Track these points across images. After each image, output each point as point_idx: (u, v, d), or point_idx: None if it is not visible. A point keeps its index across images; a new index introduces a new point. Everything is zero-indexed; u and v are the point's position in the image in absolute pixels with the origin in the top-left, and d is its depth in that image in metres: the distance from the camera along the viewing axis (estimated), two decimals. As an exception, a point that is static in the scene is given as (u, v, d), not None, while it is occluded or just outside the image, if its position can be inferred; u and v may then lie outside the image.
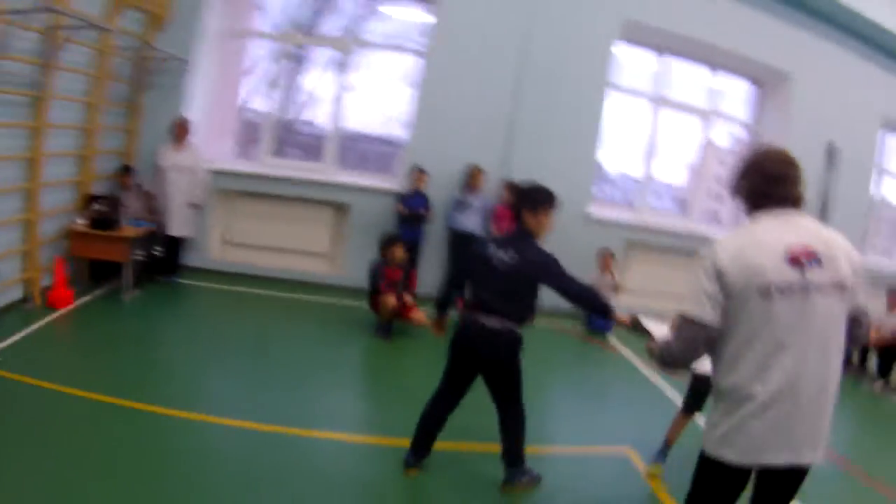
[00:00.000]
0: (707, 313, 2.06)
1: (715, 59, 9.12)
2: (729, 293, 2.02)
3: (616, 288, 7.75)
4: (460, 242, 7.54)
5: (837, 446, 4.83)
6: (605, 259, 7.85)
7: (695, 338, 2.10)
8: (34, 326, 5.52)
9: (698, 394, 3.99)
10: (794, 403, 1.98)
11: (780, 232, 2.05)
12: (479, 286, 3.44)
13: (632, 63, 8.98)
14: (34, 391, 4.26)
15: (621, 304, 7.39)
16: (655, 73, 9.11)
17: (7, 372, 4.46)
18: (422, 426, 3.60)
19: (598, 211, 8.53)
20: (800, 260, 1.99)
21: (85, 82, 6.39)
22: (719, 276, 2.03)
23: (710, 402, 2.31)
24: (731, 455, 2.06)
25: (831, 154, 9.10)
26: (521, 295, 3.37)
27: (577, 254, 7.73)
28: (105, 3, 6.25)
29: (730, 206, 9.63)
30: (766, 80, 9.47)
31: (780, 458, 2.02)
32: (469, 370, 3.48)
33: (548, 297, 3.47)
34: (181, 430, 3.98)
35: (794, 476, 2.10)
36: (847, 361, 7.81)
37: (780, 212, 2.10)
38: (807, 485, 2.19)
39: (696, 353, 2.14)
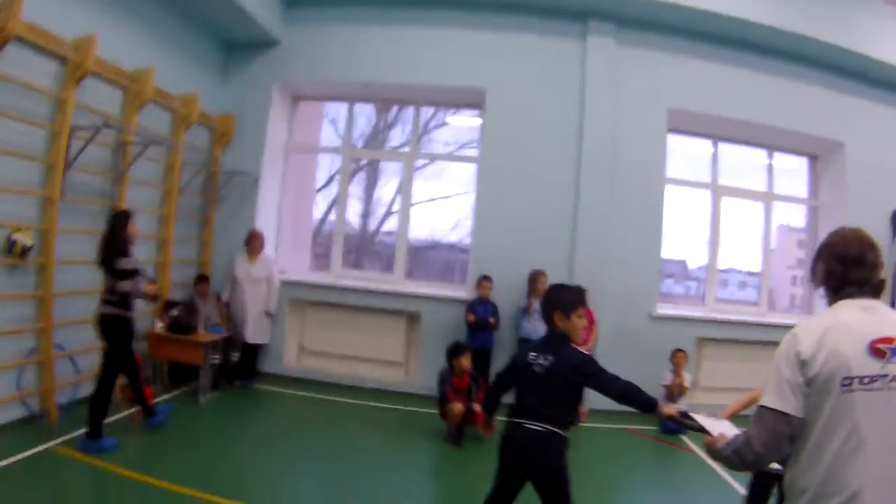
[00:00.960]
0: (788, 404, 1.99)
1: (765, 138, 9.22)
2: (811, 383, 1.97)
3: (683, 390, 7.72)
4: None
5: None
6: (678, 359, 7.81)
7: (778, 432, 2.00)
8: (113, 418, 6.04)
9: (761, 490, 4.11)
10: (876, 502, 1.88)
11: (861, 320, 2.01)
12: (522, 391, 3.59)
13: (686, 153, 9.27)
14: (106, 474, 4.83)
15: (694, 404, 7.43)
16: (710, 161, 9.33)
17: (87, 457, 5.10)
18: None
19: (665, 309, 8.60)
20: (881, 350, 1.93)
21: (157, 195, 7.40)
22: (802, 366, 1.98)
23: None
24: None
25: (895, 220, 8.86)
26: (561, 398, 3.48)
27: (645, 354, 8.01)
28: (171, 120, 6.96)
29: (808, 289, 9.48)
30: (820, 153, 9.47)
31: None
32: (516, 475, 3.58)
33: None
34: None
35: None
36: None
37: (860, 298, 2.08)
38: None
39: (781, 447, 2.04)
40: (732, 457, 2.11)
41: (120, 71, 6.34)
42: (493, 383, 4.22)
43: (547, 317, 3.59)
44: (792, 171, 9.66)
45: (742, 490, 5.37)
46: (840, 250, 2.12)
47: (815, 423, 1.95)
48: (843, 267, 2.09)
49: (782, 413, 1.98)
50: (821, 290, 2.22)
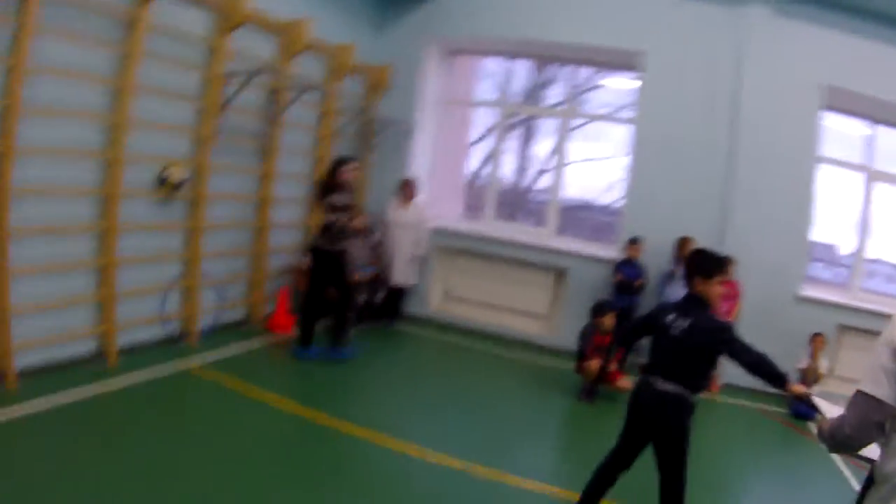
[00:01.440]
0: (883, 389, 1.96)
1: None
2: None
3: (819, 376, 7.26)
4: None
5: None
6: (817, 343, 7.37)
7: (868, 415, 1.99)
8: (253, 344, 6.78)
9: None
10: None
11: None
12: (657, 351, 3.69)
13: (842, 133, 8.46)
14: (239, 397, 5.35)
15: (828, 391, 6.82)
16: (867, 143, 8.42)
17: (217, 376, 5.67)
18: (593, 482, 3.80)
19: (809, 291, 8.03)
20: None
21: (311, 139, 7.90)
22: (892, 350, 1.95)
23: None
24: None
25: None
26: (696, 362, 3.57)
27: (785, 335, 7.61)
28: (326, 69, 7.32)
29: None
30: None
31: None
32: (641, 431, 3.68)
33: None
34: (379, 455, 4.66)
35: None
36: None
37: None
38: None
39: (870, 432, 2.03)
40: (828, 438, 2.13)
41: (273, 21, 6.75)
42: (624, 336, 4.56)
43: (689, 279, 3.66)
44: None
45: (857, 486, 4.85)
46: None
47: None
48: None
49: (874, 398, 1.96)
50: None
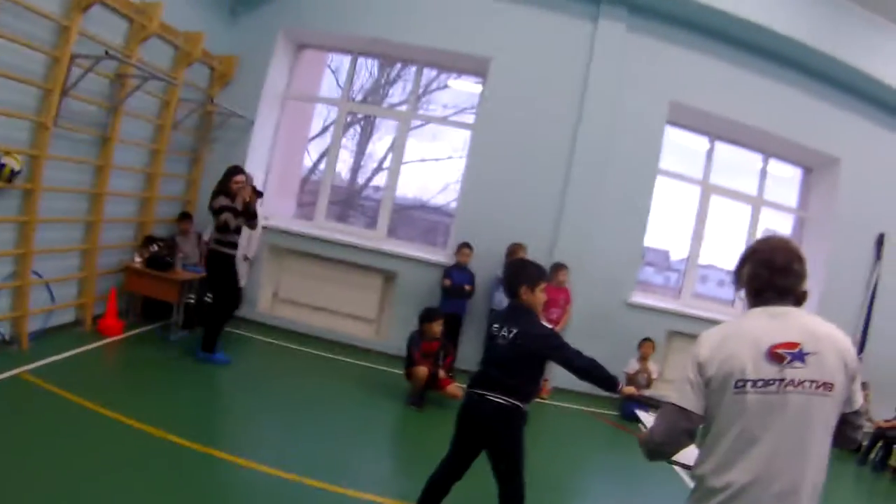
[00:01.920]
0: (687, 400, 2.12)
1: (764, 144, 9.30)
2: (709, 384, 2.07)
3: (650, 381, 7.95)
4: None
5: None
6: (645, 349, 8.02)
7: (676, 425, 2.15)
8: (82, 349, 6.25)
9: None
10: (758, 500, 1.98)
11: (769, 327, 2.08)
12: (485, 361, 3.70)
13: (680, 147, 9.34)
14: (68, 405, 4.89)
15: (658, 395, 7.55)
16: (704, 158, 9.41)
17: (50, 384, 5.15)
18: (426, 493, 3.77)
19: (640, 298, 8.73)
20: (780, 355, 2.01)
21: (151, 129, 7.37)
22: (700, 368, 2.10)
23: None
24: None
25: (881, 242, 9.07)
26: (523, 370, 3.57)
27: (616, 340, 8.13)
28: (173, 56, 6.92)
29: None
30: (815, 165, 9.59)
31: None
32: (472, 442, 3.67)
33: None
34: (203, 465, 4.43)
35: None
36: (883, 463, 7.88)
37: (777, 307, 2.13)
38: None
39: (678, 440, 2.18)
40: (642, 445, 2.27)
41: (127, 2, 6.23)
42: None
43: (511, 289, 3.67)
44: (785, 179, 9.77)
45: (689, 483, 5.63)
46: (767, 257, 2.18)
47: (714, 421, 2.06)
48: (769, 273, 2.15)
49: (680, 408, 2.11)
50: (743, 293, 2.28)
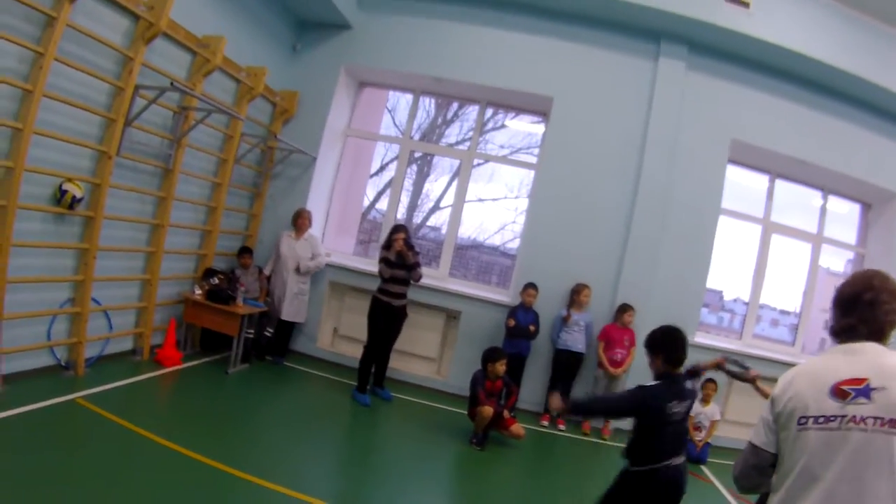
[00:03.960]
0: (758, 437, 2.16)
1: (823, 180, 9.00)
2: (776, 421, 2.10)
3: (713, 424, 7.63)
4: (562, 360, 7.84)
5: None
6: (707, 390, 7.66)
7: (748, 461, 2.20)
8: (138, 378, 6.24)
9: None
10: None
11: (840, 363, 2.03)
12: (662, 438, 3.78)
13: (740, 185, 9.07)
14: (121, 431, 4.88)
15: (719, 437, 7.71)
16: (765, 196, 9.14)
17: (105, 410, 5.13)
18: None
19: (702, 339, 8.40)
20: (844, 391, 1.96)
21: (213, 163, 7.46)
22: (771, 405, 2.13)
23: None
24: None
25: None
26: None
27: None
28: (236, 92, 7.02)
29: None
30: (874, 201, 9.20)
31: None
32: None
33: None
34: (259, 498, 4.36)
35: None
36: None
37: (856, 343, 2.07)
38: None
39: (750, 476, 2.22)
40: (734, 479, 2.31)
41: (191, 35, 6.34)
42: (607, 410, 4.72)
43: (675, 361, 3.85)
44: (844, 216, 9.43)
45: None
46: (843, 293, 2.15)
47: (782, 458, 2.07)
48: (839, 312, 2.13)
49: (753, 445, 2.17)
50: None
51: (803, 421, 1.99)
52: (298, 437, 5.74)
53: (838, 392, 1.95)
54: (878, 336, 2.06)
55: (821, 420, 1.95)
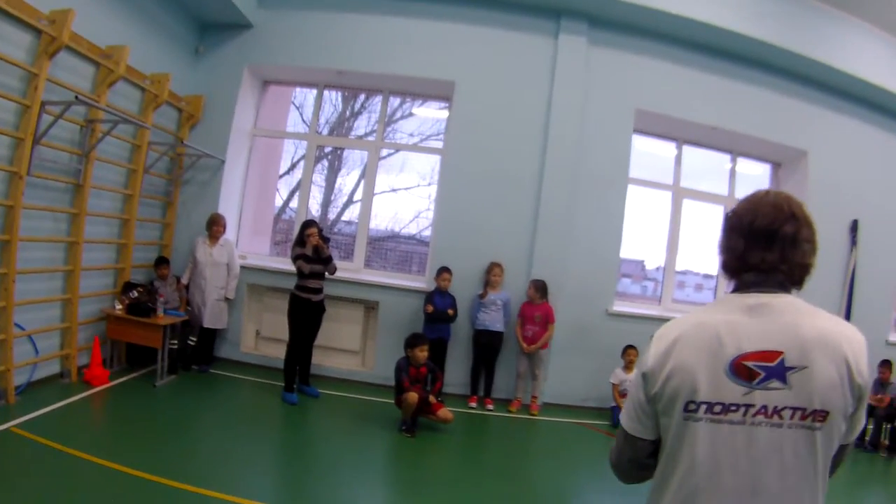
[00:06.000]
0: (631, 423, 1.65)
1: (731, 143, 9.50)
2: (654, 402, 1.57)
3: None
4: (482, 340, 8.04)
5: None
6: (629, 356, 8.05)
7: (622, 451, 1.70)
8: (69, 400, 6.11)
9: None
10: None
11: (745, 325, 1.49)
12: None
13: (649, 154, 9.46)
14: (59, 455, 4.79)
15: None
16: (673, 163, 9.56)
17: (39, 436, 5.04)
18: None
19: (621, 307, 8.80)
20: (750, 370, 1.46)
21: (123, 174, 7.35)
22: (644, 381, 1.58)
23: None
24: None
25: (855, 229, 9.36)
26: None
27: (600, 350, 8.29)
28: (141, 100, 6.91)
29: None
30: (783, 160, 9.81)
31: None
32: None
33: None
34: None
35: None
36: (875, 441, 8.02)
37: (758, 294, 1.54)
38: None
39: (626, 469, 1.73)
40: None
41: (94, 47, 6.20)
42: None
43: None
44: (755, 178, 9.92)
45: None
46: (746, 220, 1.58)
47: (663, 449, 1.57)
48: (746, 244, 1.57)
49: (625, 432, 1.66)
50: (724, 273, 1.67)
51: (692, 407, 1.47)
52: (232, 442, 5.77)
53: (741, 370, 1.45)
54: (796, 285, 1.57)
55: (717, 409, 1.45)
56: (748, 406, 1.43)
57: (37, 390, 6.01)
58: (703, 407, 1.45)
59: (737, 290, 1.58)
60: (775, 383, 1.43)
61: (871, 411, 8.00)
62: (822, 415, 1.42)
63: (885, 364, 8.26)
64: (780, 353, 1.43)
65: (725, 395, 1.44)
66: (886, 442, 7.95)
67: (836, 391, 1.41)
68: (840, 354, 1.42)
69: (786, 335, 1.44)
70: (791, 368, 1.43)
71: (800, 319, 1.46)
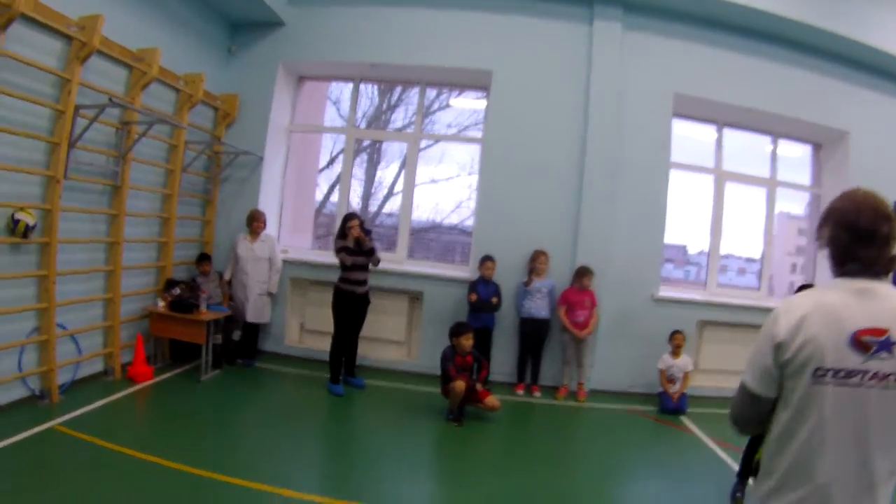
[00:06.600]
0: (758, 384, 1.96)
1: (772, 125, 9.26)
2: (784, 368, 1.88)
3: (686, 375, 7.86)
4: (528, 328, 7.99)
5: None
6: (676, 340, 7.91)
7: (745, 406, 2.02)
8: (113, 397, 6.25)
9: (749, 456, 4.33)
10: (833, 497, 1.82)
11: (852, 302, 1.84)
12: None
13: (690, 138, 9.27)
14: (104, 452, 4.89)
15: (695, 386, 7.94)
16: (714, 146, 9.35)
17: (83, 434, 5.15)
18: None
19: (666, 292, 8.64)
20: (865, 343, 1.80)
21: (161, 175, 7.49)
22: (776, 349, 1.89)
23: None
24: None
25: None
26: None
27: (648, 338, 8.17)
28: (176, 101, 7.02)
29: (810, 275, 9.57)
30: (824, 142, 9.49)
31: None
32: None
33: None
34: (243, 497, 4.41)
35: None
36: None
37: (863, 281, 1.88)
38: None
39: (748, 421, 2.06)
40: (729, 417, 2.13)
41: (125, 50, 6.31)
42: None
43: None
44: (796, 160, 9.69)
45: (736, 466, 5.44)
46: (851, 218, 1.91)
47: (787, 408, 1.88)
48: (850, 239, 1.90)
49: (751, 392, 1.96)
50: (827, 257, 2.01)
51: (820, 373, 1.81)
52: (278, 434, 5.83)
53: (859, 343, 1.80)
54: (884, 275, 1.91)
55: (841, 374, 1.79)
56: (864, 372, 1.79)
57: (80, 389, 6.15)
58: (830, 373, 1.80)
59: (843, 276, 1.92)
60: (884, 354, 1.79)
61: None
62: None
63: None
64: (887, 329, 1.80)
65: (847, 363, 1.79)
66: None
67: None
68: None
69: (889, 315, 1.81)
70: (895, 343, 1.79)
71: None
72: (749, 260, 9.81)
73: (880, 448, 1.80)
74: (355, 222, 7.18)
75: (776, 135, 9.43)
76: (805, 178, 9.74)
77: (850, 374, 1.79)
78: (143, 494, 4.26)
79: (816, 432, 1.82)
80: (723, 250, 9.44)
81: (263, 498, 4.42)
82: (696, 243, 9.67)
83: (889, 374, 1.78)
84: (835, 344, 1.80)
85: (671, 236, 8.93)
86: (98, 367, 6.61)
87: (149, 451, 4.92)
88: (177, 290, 7.35)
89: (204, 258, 8.00)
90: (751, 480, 4.18)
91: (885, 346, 1.79)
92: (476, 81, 8.90)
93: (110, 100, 5.80)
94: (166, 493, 4.31)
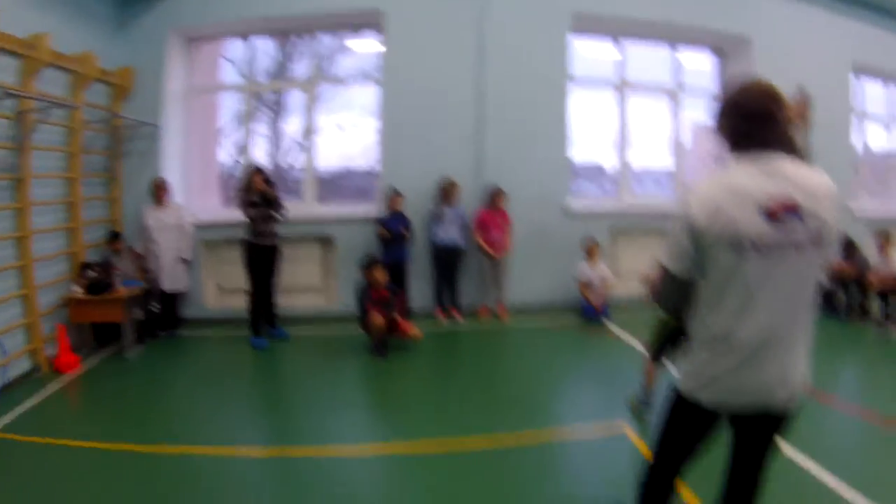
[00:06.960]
0: (678, 266, 2.12)
1: (672, 35, 9.57)
2: (700, 246, 2.02)
3: (606, 285, 8.30)
4: (442, 255, 8.23)
5: (850, 395, 5.44)
6: (591, 249, 8.31)
7: (665, 285, 2.18)
8: (45, 393, 6.20)
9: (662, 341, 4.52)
10: (764, 354, 2.03)
11: (758, 180, 1.99)
12: None
13: (590, 54, 9.51)
14: (48, 449, 4.85)
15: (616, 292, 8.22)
16: (616, 60, 9.62)
17: (21, 436, 5.09)
18: None
19: (577, 203, 9.01)
20: (777, 214, 1.96)
21: (62, 159, 7.22)
22: (691, 229, 2.02)
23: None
24: (705, 397, 2.14)
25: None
26: None
27: (561, 249, 8.56)
28: (69, 82, 6.76)
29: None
30: (727, 49, 9.90)
31: (749, 400, 2.10)
32: None
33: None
34: (193, 465, 4.46)
35: (769, 423, 2.17)
36: (849, 309, 8.11)
37: (761, 155, 2.02)
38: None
39: (668, 300, 2.24)
40: (652, 296, 2.34)
41: (13, 38, 6.02)
42: None
43: None
44: (703, 71, 10.07)
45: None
46: (741, 102, 2.08)
47: (709, 280, 2.06)
48: (745, 122, 2.05)
49: (671, 274, 2.13)
50: (725, 146, 2.16)
51: (736, 244, 1.97)
52: (212, 397, 6.01)
53: (770, 214, 1.96)
54: (788, 151, 2.06)
55: (759, 245, 1.96)
56: (780, 241, 1.96)
57: (11, 392, 6.08)
58: (749, 244, 1.96)
59: (746, 158, 2.06)
60: (794, 221, 1.97)
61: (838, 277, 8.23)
62: (821, 239, 2.00)
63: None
64: (797, 202, 1.97)
65: (763, 234, 1.96)
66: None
67: (828, 222, 2.00)
68: (831, 199, 2.01)
69: (794, 186, 1.98)
70: (805, 212, 1.98)
71: (802, 175, 2.01)
72: (669, 173, 10.25)
73: (800, 309, 2.05)
74: (258, 176, 7.32)
75: (679, 42, 9.73)
76: (710, 85, 10.13)
77: (767, 244, 1.96)
78: (91, 484, 4.25)
79: (742, 301, 2.01)
80: (638, 164, 9.86)
81: (213, 461, 4.54)
82: (612, 161, 10.01)
83: (801, 240, 1.97)
84: (747, 217, 1.96)
85: (585, 155, 9.39)
86: (26, 365, 6.54)
87: (89, 439, 4.93)
88: (91, 273, 7.27)
89: (115, 236, 7.90)
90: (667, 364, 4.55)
91: (797, 215, 1.96)
92: (370, 21, 8.85)
93: (4, 91, 5.62)
94: (115, 477, 4.32)
